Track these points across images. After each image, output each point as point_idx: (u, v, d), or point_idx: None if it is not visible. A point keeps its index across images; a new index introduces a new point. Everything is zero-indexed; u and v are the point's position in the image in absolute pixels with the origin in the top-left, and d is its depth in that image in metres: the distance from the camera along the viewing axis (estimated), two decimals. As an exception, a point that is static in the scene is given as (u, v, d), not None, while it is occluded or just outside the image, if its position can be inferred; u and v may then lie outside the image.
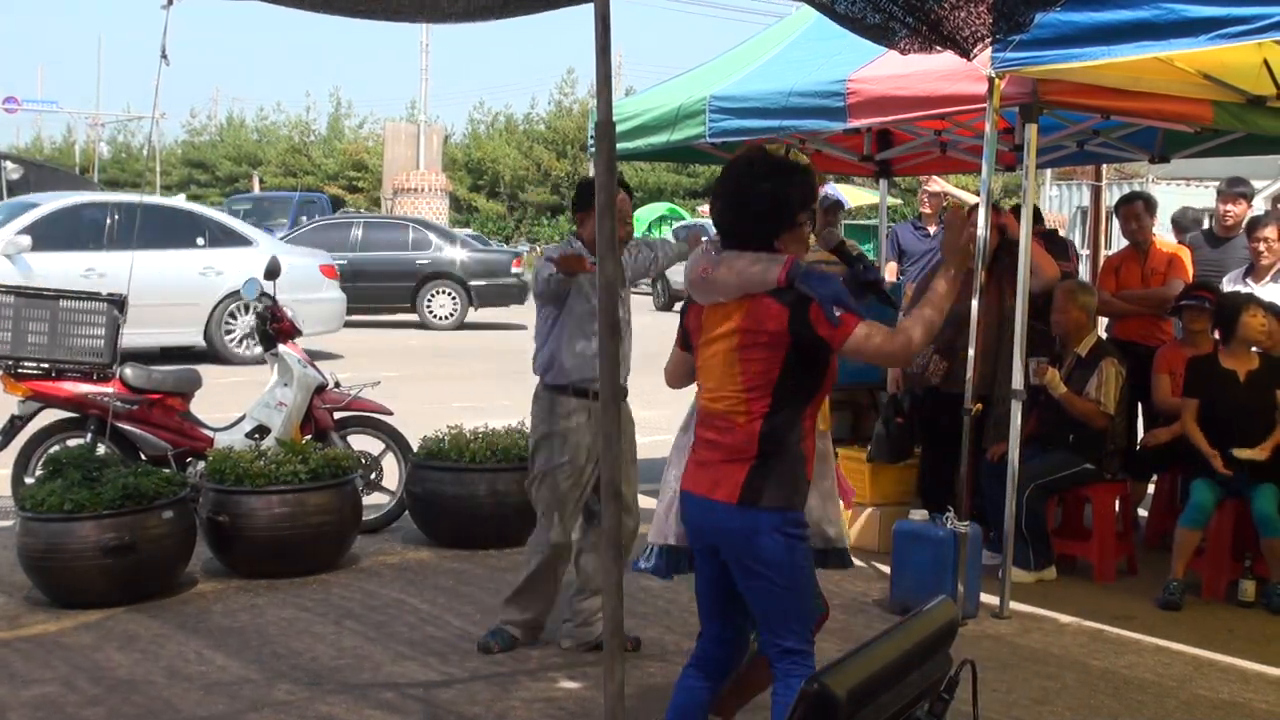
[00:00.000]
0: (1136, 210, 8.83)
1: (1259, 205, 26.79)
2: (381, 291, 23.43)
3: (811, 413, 4.05)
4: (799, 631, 4.05)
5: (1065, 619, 6.87)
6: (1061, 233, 23.63)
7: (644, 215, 40.23)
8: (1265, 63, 6.98)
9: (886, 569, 7.15)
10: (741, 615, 4.21)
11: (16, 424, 8.14)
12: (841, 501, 4.44)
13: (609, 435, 3.39)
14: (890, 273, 10.52)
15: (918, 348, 3.97)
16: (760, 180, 4.02)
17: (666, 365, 4.40)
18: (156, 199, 20.70)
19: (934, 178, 10.74)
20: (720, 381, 4.03)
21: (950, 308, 4.00)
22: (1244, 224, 8.95)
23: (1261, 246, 8.42)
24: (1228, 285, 8.53)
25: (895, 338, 3.91)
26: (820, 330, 3.88)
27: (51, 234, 15.92)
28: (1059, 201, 32.30)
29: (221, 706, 5.37)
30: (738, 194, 4.06)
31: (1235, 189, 9.16)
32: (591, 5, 3.38)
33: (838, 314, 3.85)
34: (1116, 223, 9.24)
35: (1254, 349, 7.55)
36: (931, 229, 10.42)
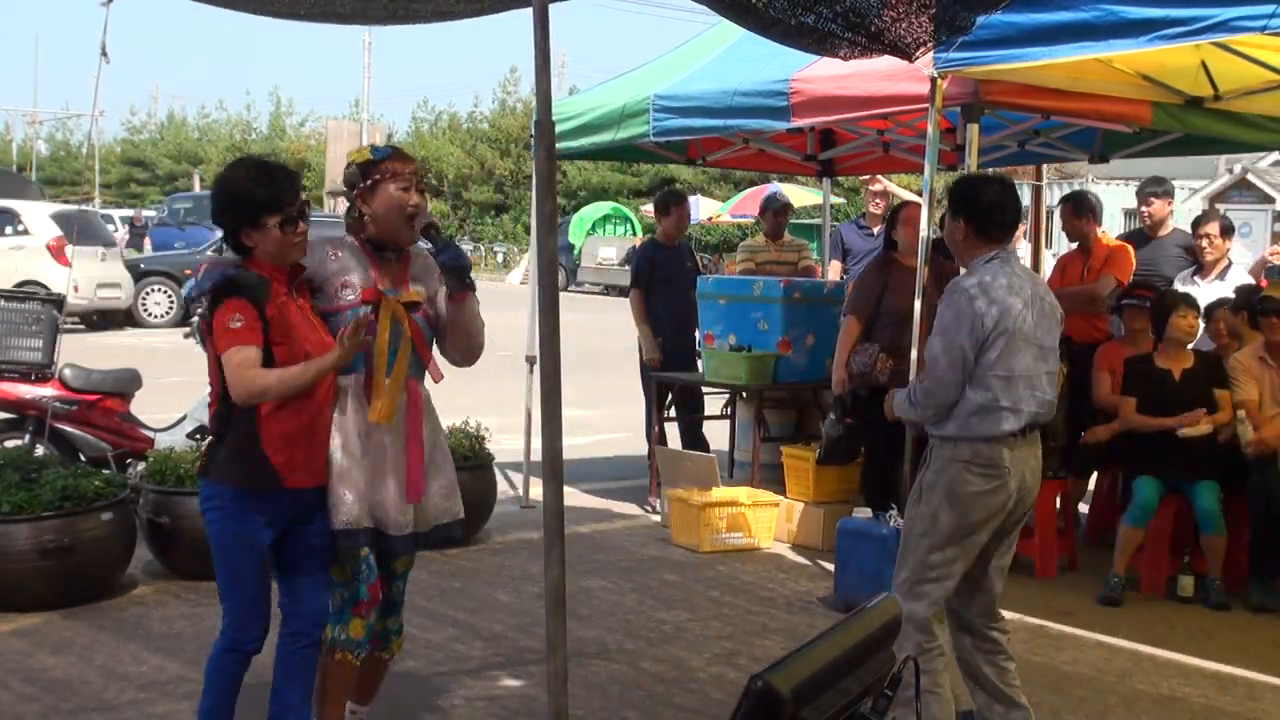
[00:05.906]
0: (1064, 212, 8.84)
1: (1198, 205, 27.04)
2: (324, 290, 23.31)
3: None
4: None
5: (1007, 615, 6.84)
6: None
7: (588, 214, 40.23)
8: (1203, 64, 7.06)
9: (830, 567, 7.17)
10: None
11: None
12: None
13: (549, 408, 3.39)
14: (834, 271, 10.55)
15: (259, 395, 3.98)
16: (232, 168, 4.22)
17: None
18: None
19: (878, 177, 10.79)
20: None
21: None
22: (1190, 222, 9.00)
23: (1204, 243, 8.49)
24: (1179, 287, 8.60)
25: (248, 374, 3.95)
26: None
27: None
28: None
29: (159, 704, 5.31)
30: (216, 183, 4.24)
31: (1148, 189, 9.12)
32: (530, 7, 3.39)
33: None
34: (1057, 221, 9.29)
35: (1189, 347, 7.64)
36: (876, 229, 10.47)
